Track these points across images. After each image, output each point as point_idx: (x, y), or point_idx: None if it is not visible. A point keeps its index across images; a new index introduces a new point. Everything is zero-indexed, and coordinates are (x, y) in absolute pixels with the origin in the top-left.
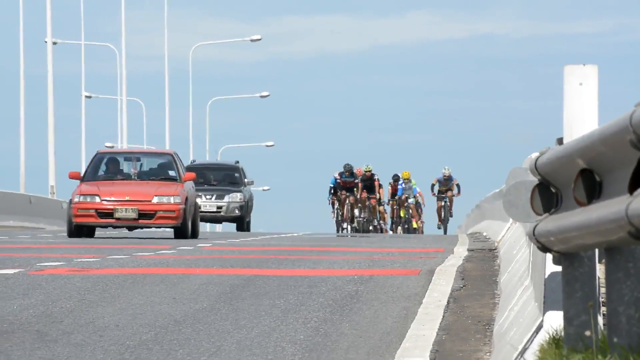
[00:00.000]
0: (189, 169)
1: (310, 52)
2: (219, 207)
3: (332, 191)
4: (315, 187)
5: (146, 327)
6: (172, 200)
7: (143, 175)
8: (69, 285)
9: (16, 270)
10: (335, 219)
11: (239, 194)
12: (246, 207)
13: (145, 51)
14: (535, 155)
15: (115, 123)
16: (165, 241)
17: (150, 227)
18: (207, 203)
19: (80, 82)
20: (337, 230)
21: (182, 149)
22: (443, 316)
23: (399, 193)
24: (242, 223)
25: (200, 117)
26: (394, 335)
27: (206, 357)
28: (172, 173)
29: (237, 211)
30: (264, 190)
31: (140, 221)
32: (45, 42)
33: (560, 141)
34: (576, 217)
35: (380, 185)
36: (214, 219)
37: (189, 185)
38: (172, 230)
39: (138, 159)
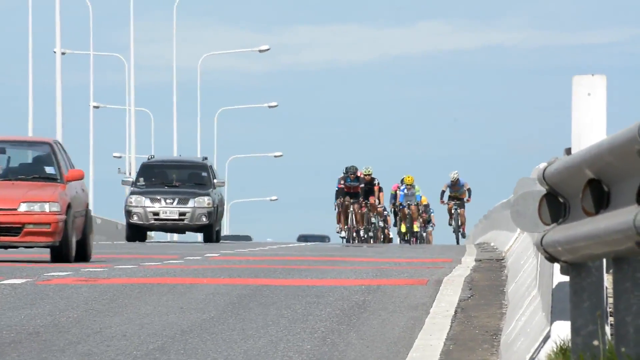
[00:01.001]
0: (144, 166)
1: (319, 62)
2: (182, 214)
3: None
4: (324, 198)
5: (153, 336)
6: (47, 208)
7: (9, 174)
8: (76, 295)
9: (24, 280)
10: (347, 231)
11: (206, 198)
12: (215, 213)
13: (154, 61)
14: (543, 165)
15: (124, 133)
16: (172, 251)
17: (17, 247)
18: (167, 209)
19: (88, 92)
20: (348, 241)
21: None
22: (450, 326)
23: (400, 199)
24: (210, 232)
25: (208, 127)
26: (401, 345)
27: None
28: (50, 170)
29: (204, 218)
30: (271, 200)
31: (1, 238)
32: (54, 52)
33: (568, 151)
34: (584, 227)
35: (380, 189)
36: (176, 228)
37: (75, 187)
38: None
39: (2, 151)
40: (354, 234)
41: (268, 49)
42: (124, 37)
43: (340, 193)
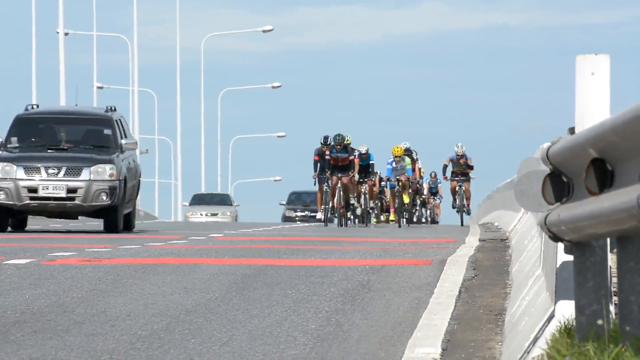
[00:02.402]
0: (19, 120)
1: (322, 43)
2: (72, 191)
3: (318, 170)
4: None
5: (158, 316)
6: None
7: None
8: (81, 275)
9: (28, 260)
10: (324, 211)
11: (108, 167)
12: (122, 189)
13: (157, 42)
14: (547, 145)
15: (127, 114)
16: (176, 231)
17: None
18: (49, 183)
19: (92, 73)
20: (325, 223)
21: (194, 139)
22: (455, 306)
23: (387, 173)
24: (113, 219)
25: (212, 107)
26: (405, 325)
27: (218, 346)
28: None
29: (104, 197)
30: (275, 180)
31: None
32: (57, 32)
33: (572, 131)
34: (588, 207)
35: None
36: (63, 211)
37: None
38: None
39: None
40: (342, 212)
41: (272, 30)
42: (127, 18)
43: (327, 166)
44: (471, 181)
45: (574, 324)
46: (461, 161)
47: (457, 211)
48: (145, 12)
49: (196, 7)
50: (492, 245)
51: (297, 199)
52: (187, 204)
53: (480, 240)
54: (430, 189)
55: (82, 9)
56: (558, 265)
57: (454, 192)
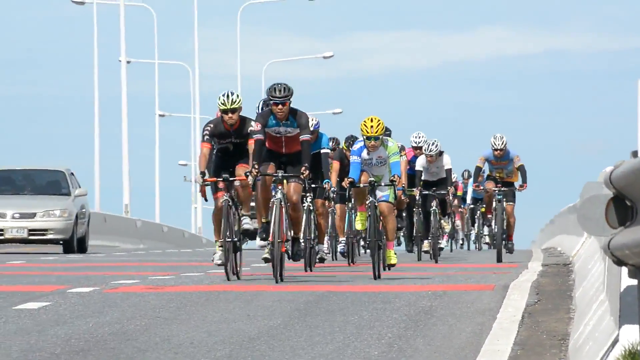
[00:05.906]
0: None
1: (382, 69)
2: None
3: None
4: None
5: (221, 344)
6: None
7: None
8: (144, 303)
9: (91, 289)
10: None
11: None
12: None
13: (219, 69)
14: (609, 168)
15: (189, 141)
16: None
17: None
18: None
19: (154, 100)
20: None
21: None
22: (518, 331)
23: (351, 173)
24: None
25: None
26: (468, 351)
27: None
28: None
29: None
30: None
31: None
32: (119, 61)
33: (635, 154)
34: None
35: (332, 151)
36: None
37: None
38: None
39: None
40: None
41: (332, 56)
42: (188, 46)
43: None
44: (517, 198)
45: (639, 348)
46: (500, 162)
47: (491, 241)
48: (206, 40)
49: (257, 34)
50: (555, 270)
51: None
52: None
53: (543, 265)
54: (463, 194)
55: (143, 37)
56: (622, 290)
57: (488, 207)
